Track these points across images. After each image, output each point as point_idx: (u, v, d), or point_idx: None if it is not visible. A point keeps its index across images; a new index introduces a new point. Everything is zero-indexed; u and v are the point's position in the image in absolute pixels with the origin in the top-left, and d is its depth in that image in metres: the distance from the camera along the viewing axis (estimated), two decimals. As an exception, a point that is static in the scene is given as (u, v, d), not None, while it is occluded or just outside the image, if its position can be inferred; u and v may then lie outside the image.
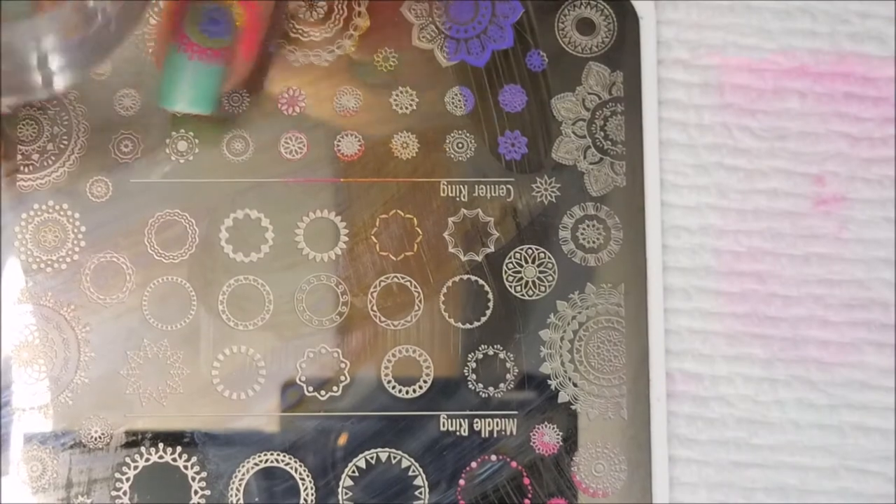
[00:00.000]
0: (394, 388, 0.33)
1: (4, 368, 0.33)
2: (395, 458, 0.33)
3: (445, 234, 0.34)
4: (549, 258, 0.34)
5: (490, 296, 0.34)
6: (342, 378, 0.33)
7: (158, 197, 0.34)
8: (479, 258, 0.34)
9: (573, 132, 0.35)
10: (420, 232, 0.34)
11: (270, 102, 0.34)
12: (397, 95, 0.35)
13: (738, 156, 0.35)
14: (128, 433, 0.33)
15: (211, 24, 0.32)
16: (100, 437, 0.33)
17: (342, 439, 0.33)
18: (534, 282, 0.34)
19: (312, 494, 0.33)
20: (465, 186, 0.34)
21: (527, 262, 0.34)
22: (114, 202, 0.34)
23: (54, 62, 0.32)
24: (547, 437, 0.33)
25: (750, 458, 0.34)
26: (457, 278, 0.34)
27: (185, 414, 0.33)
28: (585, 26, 0.35)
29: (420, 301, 0.34)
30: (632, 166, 0.34)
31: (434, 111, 0.35)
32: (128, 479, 0.33)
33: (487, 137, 0.34)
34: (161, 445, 0.33)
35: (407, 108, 0.35)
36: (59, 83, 0.33)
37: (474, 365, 0.33)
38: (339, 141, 0.34)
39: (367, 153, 0.34)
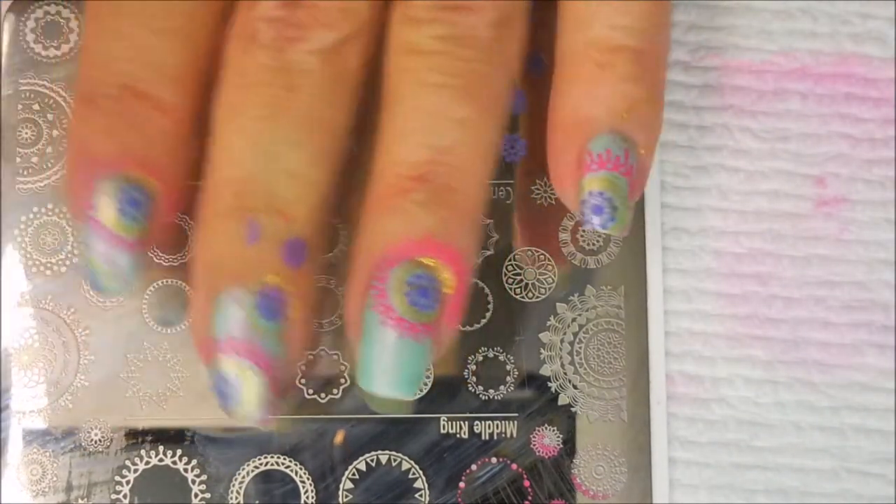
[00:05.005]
0: (394, 390, 0.33)
1: (4, 371, 0.33)
2: (395, 460, 0.33)
3: (445, 237, 0.34)
4: (549, 260, 0.34)
5: (490, 298, 0.34)
6: (342, 380, 0.33)
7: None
8: (479, 260, 0.34)
9: (573, 134, 0.34)
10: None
11: None
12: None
13: (738, 157, 0.35)
14: (128, 436, 0.33)
15: (421, 296, 0.28)
16: (100, 440, 0.33)
17: (339, 437, 0.33)
18: (533, 284, 0.34)
19: (313, 497, 0.33)
20: (465, 189, 0.34)
21: (526, 264, 0.34)
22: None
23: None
24: (547, 440, 0.33)
25: (751, 460, 0.34)
26: (457, 280, 0.34)
27: (185, 417, 0.33)
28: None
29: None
30: (632, 168, 0.34)
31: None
32: (128, 482, 0.33)
33: (487, 139, 0.34)
34: (161, 448, 0.33)
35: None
36: None
37: (474, 367, 0.33)
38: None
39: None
